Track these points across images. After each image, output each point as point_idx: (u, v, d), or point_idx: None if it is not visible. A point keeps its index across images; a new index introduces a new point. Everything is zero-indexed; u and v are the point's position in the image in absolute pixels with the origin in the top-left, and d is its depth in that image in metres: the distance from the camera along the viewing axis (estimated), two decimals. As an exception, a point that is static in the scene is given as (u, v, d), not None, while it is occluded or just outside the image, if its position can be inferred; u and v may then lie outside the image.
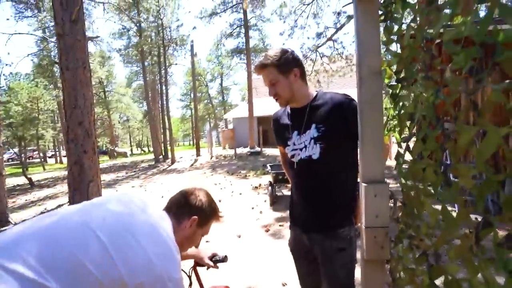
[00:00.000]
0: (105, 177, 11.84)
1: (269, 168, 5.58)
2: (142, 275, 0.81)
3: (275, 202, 5.19)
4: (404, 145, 0.98)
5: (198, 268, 1.56)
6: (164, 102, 16.76)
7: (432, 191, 0.80)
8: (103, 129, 26.51)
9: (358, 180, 1.04)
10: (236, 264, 3.09)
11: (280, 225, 4.08)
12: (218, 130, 37.07)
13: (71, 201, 3.16)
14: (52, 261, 0.75)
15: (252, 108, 15.18)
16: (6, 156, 33.92)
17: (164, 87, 16.80)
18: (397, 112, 1.01)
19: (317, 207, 1.37)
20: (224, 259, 1.59)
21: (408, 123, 0.97)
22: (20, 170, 16.32)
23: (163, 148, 17.02)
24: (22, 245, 0.76)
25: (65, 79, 3.13)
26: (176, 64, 21.08)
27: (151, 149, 24.03)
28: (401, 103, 0.99)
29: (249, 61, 16.43)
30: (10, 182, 14.25)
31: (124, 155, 25.79)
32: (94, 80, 20.66)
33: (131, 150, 36.40)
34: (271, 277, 2.75)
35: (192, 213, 1.06)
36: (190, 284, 1.55)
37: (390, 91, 1.02)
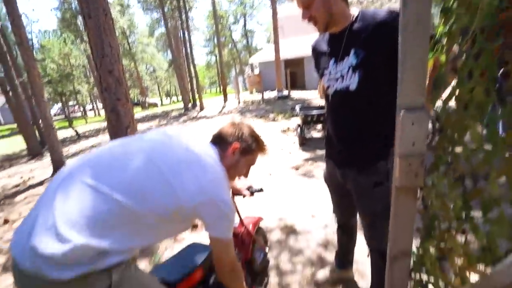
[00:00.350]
0: (139, 127, 12.54)
1: (297, 109, 5.49)
2: (196, 199, 0.91)
3: (304, 143, 5.23)
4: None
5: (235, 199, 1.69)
6: (188, 50, 16.38)
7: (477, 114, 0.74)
8: (132, 81, 27.14)
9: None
10: (267, 199, 3.30)
11: (309, 164, 4.17)
12: (244, 76, 36.27)
13: (114, 146, 3.44)
14: (129, 185, 0.86)
15: (278, 50, 14.31)
16: (52, 111, 36.74)
17: (186, 33, 16.24)
18: (447, 28, 0.89)
19: (352, 143, 1.31)
20: (260, 190, 1.71)
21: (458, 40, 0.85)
22: (66, 124, 17.79)
23: (191, 96, 17.24)
24: (102, 171, 0.89)
25: (89, 29, 3.11)
26: (196, 8, 19.87)
27: (180, 98, 24.46)
28: (453, 17, 0.86)
29: (273, -4, 14.98)
30: (60, 135, 15.72)
31: (154, 105, 26.69)
32: (116, 30, 20.44)
33: (161, 100, 37.39)
34: (300, 210, 2.93)
35: (234, 141, 1.12)
36: None
37: (442, 4, 0.88)
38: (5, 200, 4.91)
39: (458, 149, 0.86)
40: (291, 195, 3.31)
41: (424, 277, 1.19)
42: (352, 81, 1.18)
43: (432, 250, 1.08)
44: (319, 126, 6.32)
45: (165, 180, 0.89)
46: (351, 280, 1.89)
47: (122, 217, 0.83)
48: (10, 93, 8.86)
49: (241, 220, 1.72)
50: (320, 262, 2.14)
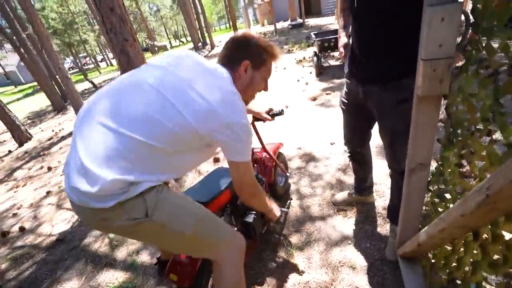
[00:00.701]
0: (153, 72, 12.37)
1: (313, 36, 5.09)
2: (210, 123, 0.89)
3: (321, 73, 4.98)
4: None
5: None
6: (190, -19, 14.91)
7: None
8: (137, 23, 25.81)
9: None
10: (285, 129, 3.33)
11: (327, 94, 4.04)
12: (254, 6, 33.23)
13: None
14: (142, 121, 0.86)
15: (289, -31, 12.67)
16: (66, 66, 36.82)
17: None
18: None
19: (377, 55, 1.21)
20: (281, 113, 1.69)
21: None
22: (81, 77, 17.88)
23: (200, 34, 16.34)
24: (103, 107, 0.90)
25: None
26: None
27: (189, 38, 23.28)
28: None
29: None
30: (78, 87, 15.99)
31: (164, 48, 25.73)
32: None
33: (170, 42, 35.89)
34: (319, 139, 2.95)
35: (242, 58, 1.02)
36: None
37: None
38: (43, 151, 5.33)
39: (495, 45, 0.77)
40: (309, 125, 3.31)
41: (442, 186, 1.21)
42: None
43: (452, 158, 1.06)
44: (337, 54, 5.91)
45: (177, 111, 0.86)
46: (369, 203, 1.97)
47: (141, 152, 0.85)
48: (22, 50, 8.82)
49: (263, 145, 1.77)
50: (339, 185, 2.24)
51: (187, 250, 1.06)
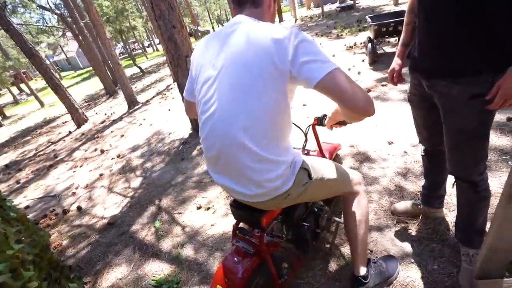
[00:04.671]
0: (196, 58, 12.57)
1: (369, 20, 4.62)
2: (291, 53, 0.84)
3: (376, 61, 4.53)
4: None
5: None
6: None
7: None
8: (182, 9, 26.32)
9: None
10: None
11: (383, 85, 3.66)
12: (298, -12, 31.81)
13: (176, 78, 3.46)
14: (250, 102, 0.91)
15: None
16: (117, 51, 39.28)
17: None
18: None
19: (448, 45, 1.03)
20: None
21: None
22: (131, 62, 18.91)
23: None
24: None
25: None
26: None
27: (231, 23, 23.17)
28: None
29: None
30: (127, 72, 16.96)
31: (207, 33, 26.05)
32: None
33: (213, 27, 36.22)
34: (375, 137, 2.67)
35: None
36: (306, 141, 1.64)
37: None
38: (97, 134, 5.72)
39: None
40: (363, 121, 3.01)
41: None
42: None
43: None
44: (393, 39, 5.35)
45: (267, 72, 0.86)
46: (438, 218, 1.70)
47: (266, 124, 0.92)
48: (80, 37, 9.49)
49: (319, 147, 1.62)
50: (399, 191, 1.98)
51: (337, 190, 1.29)
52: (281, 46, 0.84)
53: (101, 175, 3.64)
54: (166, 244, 2.11)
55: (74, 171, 4.13)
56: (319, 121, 1.46)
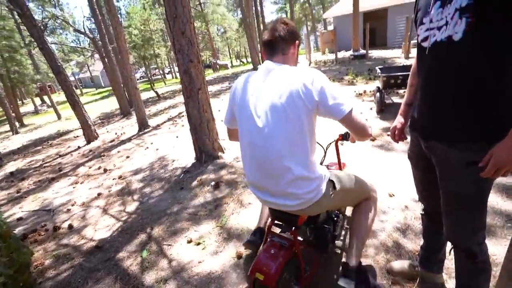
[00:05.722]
0: (211, 88, 13.07)
1: (378, 71, 4.78)
2: (315, 94, 1.11)
3: (383, 110, 4.60)
4: None
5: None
6: (259, 7, 15.75)
7: None
8: (205, 43, 27.99)
9: None
10: (337, 171, 3.05)
11: (388, 135, 3.67)
12: (316, 34, 33.74)
13: (187, 108, 3.57)
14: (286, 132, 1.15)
15: (357, 0, 12.53)
16: (137, 75, 41.38)
17: (256, -11, 15.49)
18: None
19: (445, 110, 1.04)
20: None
21: None
22: (149, 86, 19.79)
23: (260, 57, 16.96)
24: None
25: (163, -13, 3.09)
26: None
27: (249, 59, 24.38)
28: None
29: None
30: (144, 96, 17.67)
31: (225, 67, 27.32)
32: (190, -8, 20.76)
33: (231, 62, 38.07)
34: (376, 188, 2.61)
35: (292, 41, 1.27)
36: (324, 156, 1.86)
37: None
38: (104, 152, 5.81)
39: None
40: (365, 169, 2.98)
41: None
42: (458, 29, 0.92)
43: None
44: (402, 91, 5.47)
45: (299, 106, 1.11)
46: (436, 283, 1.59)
47: (297, 145, 1.16)
48: (106, 59, 10.12)
49: (339, 160, 1.83)
50: (397, 249, 1.89)
51: (356, 197, 1.51)
52: (308, 89, 1.10)
53: (99, 194, 3.63)
54: (150, 277, 2.03)
55: (74, 187, 4.14)
56: (343, 137, 1.66)
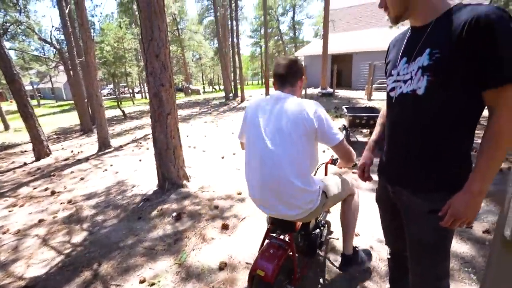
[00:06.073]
0: (181, 112, 12.87)
1: (345, 110, 5.06)
2: (314, 120, 1.35)
3: (349, 148, 4.80)
4: None
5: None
6: (235, 39, 16.33)
7: None
8: (179, 67, 28.07)
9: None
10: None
11: (353, 172, 3.78)
12: (287, 69, 35.42)
13: (153, 132, 3.40)
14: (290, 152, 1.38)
15: (326, 44, 13.57)
16: (105, 92, 39.77)
17: (234, 23, 16.18)
18: None
19: (409, 159, 1.09)
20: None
21: None
22: (116, 103, 19.00)
23: (233, 86, 17.28)
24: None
25: (141, 9, 3.06)
26: (246, -5, 19.72)
27: (222, 87, 24.75)
28: None
29: (327, -14, 14.13)
30: (110, 113, 16.86)
31: (197, 92, 27.39)
32: (168, 17, 21.13)
33: (204, 88, 38.34)
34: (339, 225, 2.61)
35: (299, 76, 1.53)
36: (315, 173, 2.05)
37: None
38: (55, 171, 5.27)
39: None
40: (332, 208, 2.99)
41: None
42: (420, 85, 1.00)
43: None
44: (365, 130, 5.81)
45: (301, 131, 1.35)
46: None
47: (298, 160, 1.37)
48: (71, 72, 9.59)
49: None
50: (363, 292, 1.84)
51: (342, 197, 1.74)
52: (310, 118, 1.34)
53: (40, 221, 3.19)
54: (89, 326, 1.73)
55: (10, 211, 3.62)
56: (333, 161, 1.98)
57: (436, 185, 1.04)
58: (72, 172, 5.13)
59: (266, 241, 1.66)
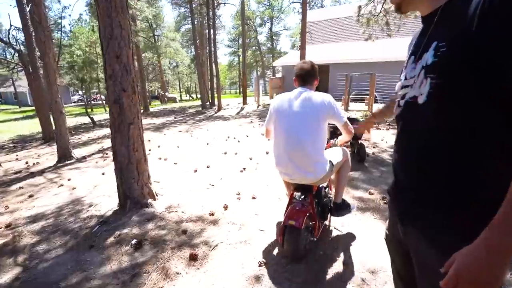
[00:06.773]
0: (155, 121, 12.26)
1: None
2: (327, 107, 1.95)
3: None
4: None
5: None
6: (212, 48, 16.04)
7: None
8: (154, 74, 27.26)
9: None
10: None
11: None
12: (266, 79, 35.86)
13: (113, 144, 2.95)
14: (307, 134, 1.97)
15: (304, 54, 13.59)
16: (75, 98, 37.63)
17: (212, 31, 15.93)
18: None
19: (415, 185, 0.82)
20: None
21: None
22: (85, 110, 17.91)
23: (210, 95, 16.90)
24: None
25: (99, 4, 2.66)
26: (224, 4, 19.70)
27: (199, 95, 24.31)
28: None
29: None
30: (78, 121, 15.79)
31: (173, 100, 26.65)
32: (143, 22, 20.47)
33: (180, 96, 37.53)
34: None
35: (314, 79, 2.10)
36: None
37: None
38: (0, 186, 4.57)
39: None
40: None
41: None
42: (423, 90, 0.75)
43: None
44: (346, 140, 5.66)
45: (320, 114, 1.93)
46: None
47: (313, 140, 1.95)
48: (32, 76, 8.75)
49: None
50: None
51: (341, 163, 2.24)
52: (325, 105, 1.92)
53: (-33, 252, 2.60)
54: None
55: None
56: (332, 146, 2.43)
57: (454, 222, 0.73)
58: (20, 187, 4.46)
59: (293, 201, 2.15)
